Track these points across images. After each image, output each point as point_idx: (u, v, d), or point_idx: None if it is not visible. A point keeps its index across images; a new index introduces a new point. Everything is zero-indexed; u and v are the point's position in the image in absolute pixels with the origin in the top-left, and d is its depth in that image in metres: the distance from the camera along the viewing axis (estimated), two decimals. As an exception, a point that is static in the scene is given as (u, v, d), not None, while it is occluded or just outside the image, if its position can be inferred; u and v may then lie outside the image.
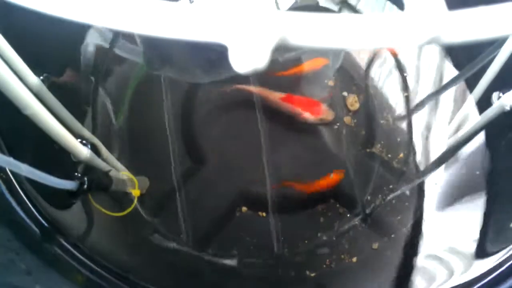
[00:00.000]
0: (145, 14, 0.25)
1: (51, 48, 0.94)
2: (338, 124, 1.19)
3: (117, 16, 0.25)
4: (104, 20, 0.25)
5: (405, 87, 1.21)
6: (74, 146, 0.74)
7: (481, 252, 0.89)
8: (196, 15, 0.25)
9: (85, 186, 0.78)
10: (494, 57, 0.85)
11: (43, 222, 0.84)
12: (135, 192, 1.05)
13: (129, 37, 1.18)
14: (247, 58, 0.24)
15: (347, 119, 1.19)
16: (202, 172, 1.15)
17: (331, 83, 1.24)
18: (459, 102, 1.12)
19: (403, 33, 0.25)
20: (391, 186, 1.12)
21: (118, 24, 0.25)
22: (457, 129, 1.06)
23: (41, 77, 0.77)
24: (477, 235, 0.93)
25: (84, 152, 0.78)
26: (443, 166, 1.10)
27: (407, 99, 1.20)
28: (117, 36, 1.17)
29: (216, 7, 0.24)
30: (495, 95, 0.89)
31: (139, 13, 0.25)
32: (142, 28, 0.25)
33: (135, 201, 1.05)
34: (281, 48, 0.25)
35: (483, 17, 0.26)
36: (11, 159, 0.63)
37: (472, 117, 1.02)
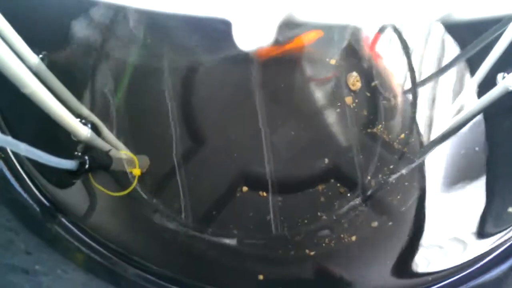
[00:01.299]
0: None
1: (49, 25, 0.92)
2: (339, 104, 1.18)
3: None
4: None
5: (410, 66, 1.20)
6: (74, 126, 0.74)
7: (481, 233, 0.90)
8: None
9: (87, 166, 0.77)
10: (499, 35, 0.83)
11: (44, 200, 0.84)
12: (136, 171, 1.04)
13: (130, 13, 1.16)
14: (252, 34, 0.23)
15: (348, 99, 1.18)
16: (202, 152, 1.14)
17: (332, 62, 1.22)
18: (461, 82, 1.11)
19: (415, 9, 0.24)
20: (391, 167, 1.12)
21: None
22: (459, 110, 1.05)
23: (40, 56, 0.76)
24: (477, 216, 0.94)
25: (84, 131, 0.77)
26: (443, 146, 1.09)
27: (412, 79, 1.19)
28: (117, 12, 1.15)
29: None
30: (500, 75, 0.88)
31: None
32: (146, 3, 0.24)
33: (135, 180, 1.05)
34: (287, 25, 0.24)
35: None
36: (9, 138, 0.63)
37: (474, 97, 1.01)
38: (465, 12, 0.25)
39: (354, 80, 1.19)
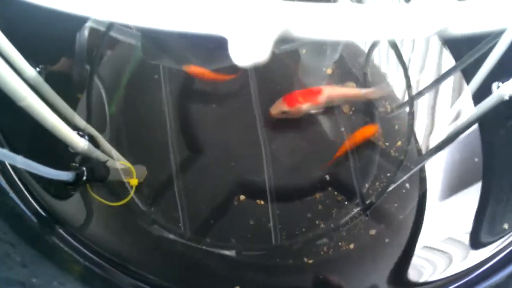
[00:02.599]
0: (144, 6, 0.24)
1: (46, 37, 0.92)
2: (336, 112, 1.18)
3: (116, 9, 0.24)
4: (103, 12, 0.25)
5: (405, 75, 1.20)
6: (72, 138, 0.74)
7: (477, 241, 0.90)
8: (195, 6, 0.24)
9: (84, 178, 0.77)
10: (493, 45, 0.84)
11: (41, 211, 0.84)
12: (133, 182, 1.04)
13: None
14: (248, 51, 0.23)
15: (345, 107, 1.19)
16: (200, 161, 1.14)
17: (329, 71, 1.23)
18: (457, 91, 1.12)
19: (411, 25, 0.25)
20: (389, 174, 1.13)
21: (117, 17, 0.25)
22: (456, 118, 1.05)
23: (38, 69, 0.76)
24: (473, 224, 0.94)
25: (81, 143, 0.77)
26: (440, 154, 1.10)
27: (407, 87, 1.19)
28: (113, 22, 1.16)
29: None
30: (495, 84, 0.89)
31: (139, 6, 0.24)
32: (142, 20, 0.25)
33: (133, 190, 1.05)
34: (283, 40, 0.25)
35: (491, 8, 0.25)
36: (5, 151, 0.63)
37: (470, 106, 1.02)
38: (461, 27, 0.25)
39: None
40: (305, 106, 1.12)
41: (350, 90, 1.16)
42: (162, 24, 0.24)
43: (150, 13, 0.24)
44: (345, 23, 0.24)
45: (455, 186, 1.05)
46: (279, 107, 1.12)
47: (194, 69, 1.16)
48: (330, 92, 1.14)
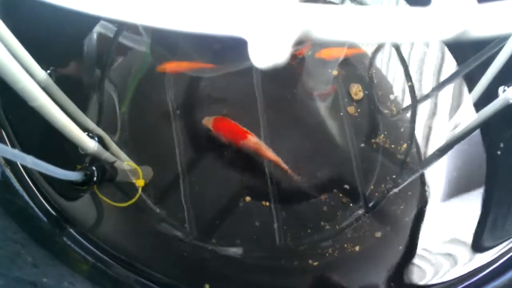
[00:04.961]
0: (165, 8, 0.24)
1: (58, 41, 0.93)
2: (341, 113, 1.18)
3: (137, 10, 0.25)
4: (121, 14, 0.25)
5: (408, 77, 1.21)
6: (82, 139, 0.74)
7: (480, 245, 0.90)
8: (215, 8, 0.24)
9: (95, 179, 0.78)
10: (499, 50, 0.84)
11: (52, 211, 0.85)
12: (139, 182, 1.05)
13: (134, 28, 1.17)
14: (267, 52, 0.24)
15: (350, 109, 1.19)
16: (205, 162, 1.15)
17: (334, 73, 1.23)
18: (460, 95, 1.12)
19: (433, 27, 0.25)
20: (394, 176, 1.13)
21: (138, 18, 0.25)
22: (459, 122, 1.06)
23: (48, 71, 0.77)
24: (475, 227, 0.94)
25: (91, 145, 0.78)
26: (444, 158, 1.10)
27: (411, 89, 1.20)
28: (123, 26, 1.17)
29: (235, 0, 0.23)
30: (500, 89, 0.89)
31: (159, 7, 0.24)
32: (161, 22, 0.25)
33: (139, 191, 1.06)
34: (302, 42, 0.25)
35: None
36: (16, 151, 0.64)
37: (474, 110, 1.02)
38: (483, 29, 0.25)
39: (357, 90, 1.20)
40: (225, 139, 1.13)
41: (272, 157, 1.11)
42: (183, 26, 0.24)
43: (172, 15, 0.24)
44: (364, 25, 0.24)
45: (458, 189, 1.05)
46: (208, 123, 1.14)
47: (169, 65, 1.17)
48: (254, 145, 1.11)
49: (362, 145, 1.16)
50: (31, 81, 0.62)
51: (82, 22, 1.09)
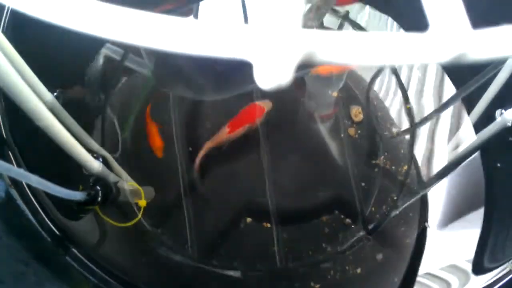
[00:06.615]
0: (168, 30, 0.25)
1: (64, 63, 0.95)
2: (342, 135, 1.20)
3: (139, 32, 0.25)
4: (125, 36, 0.25)
5: (406, 100, 1.22)
6: (87, 160, 0.76)
7: (479, 267, 0.90)
8: (220, 31, 0.25)
9: (99, 199, 0.79)
10: (497, 72, 0.86)
11: (56, 231, 0.85)
12: (141, 203, 1.06)
13: (138, 51, 1.19)
14: (271, 74, 0.24)
15: (351, 131, 1.20)
16: (207, 183, 1.15)
17: (335, 94, 1.25)
18: (459, 117, 1.13)
19: (431, 51, 0.25)
20: (395, 198, 1.13)
21: (140, 40, 0.25)
22: (458, 144, 1.07)
23: (55, 94, 0.79)
24: (476, 250, 0.94)
25: (96, 165, 0.79)
26: (444, 180, 1.10)
27: (410, 112, 1.21)
28: (128, 50, 1.19)
29: (240, 24, 0.24)
30: (498, 112, 0.90)
31: (163, 29, 0.25)
32: (165, 44, 0.25)
33: (141, 211, 1.06)
34: (305, 65, 0.25)
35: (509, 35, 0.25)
36: (22, 171, 0.65)
37: (472, 133, 1.03)
38: (481, 52, 0.25)
39: (357, 111, 1.22)
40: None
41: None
42: (187, 48, 0.25)
43: (176, 37, 0.25)
44: (365, 48, 0.25)
45: (458, 212, 1.05)
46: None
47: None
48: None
49: (363, 166, 1.17)
50: (39, 101, 0.64)
51: (87, 46, 1.12)
